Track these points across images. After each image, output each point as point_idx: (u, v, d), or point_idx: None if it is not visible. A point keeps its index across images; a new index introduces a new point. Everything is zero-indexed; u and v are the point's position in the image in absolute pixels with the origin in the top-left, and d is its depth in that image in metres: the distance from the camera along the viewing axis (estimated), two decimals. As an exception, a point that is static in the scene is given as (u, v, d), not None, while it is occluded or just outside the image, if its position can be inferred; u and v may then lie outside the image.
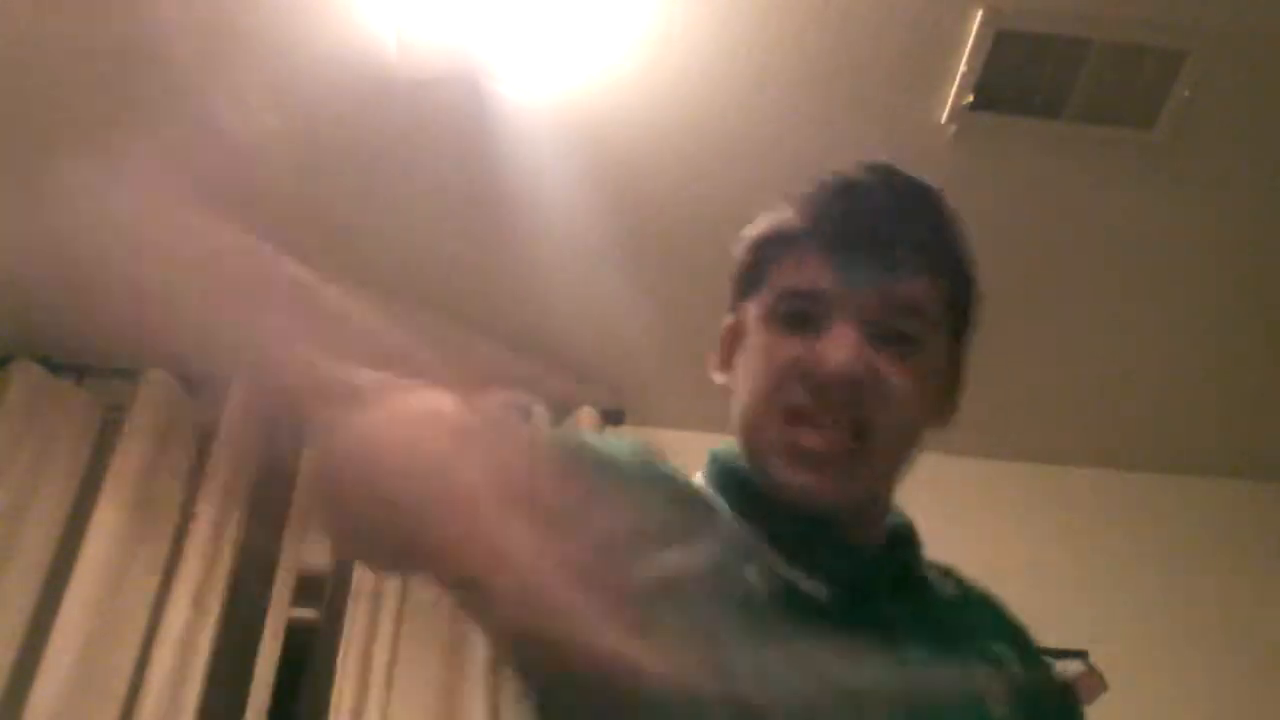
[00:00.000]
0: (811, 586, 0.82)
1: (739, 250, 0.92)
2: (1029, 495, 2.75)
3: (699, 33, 1.90)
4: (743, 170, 2.09)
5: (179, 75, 1.96)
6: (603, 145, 2.07)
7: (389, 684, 2.15)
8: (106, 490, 2.23)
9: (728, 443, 0.92)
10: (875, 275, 0.83)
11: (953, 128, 2.02)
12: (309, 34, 1.89)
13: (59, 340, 2.45)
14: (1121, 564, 2.69)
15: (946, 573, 0.94)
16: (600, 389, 2.55)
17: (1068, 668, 2.37)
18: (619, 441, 0.86)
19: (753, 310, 0.88)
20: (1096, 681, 2.36)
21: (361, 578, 2.24)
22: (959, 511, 2.65)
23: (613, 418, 2.55)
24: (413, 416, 0.61)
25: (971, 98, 1.96)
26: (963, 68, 1.92)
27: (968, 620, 0.90)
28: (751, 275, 0.89)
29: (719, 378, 0.93)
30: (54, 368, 2.41)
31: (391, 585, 2.24)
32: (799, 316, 0.83)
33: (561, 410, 2.55)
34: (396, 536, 0.57)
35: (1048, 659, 0.95)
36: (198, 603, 2.17)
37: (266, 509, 2.32)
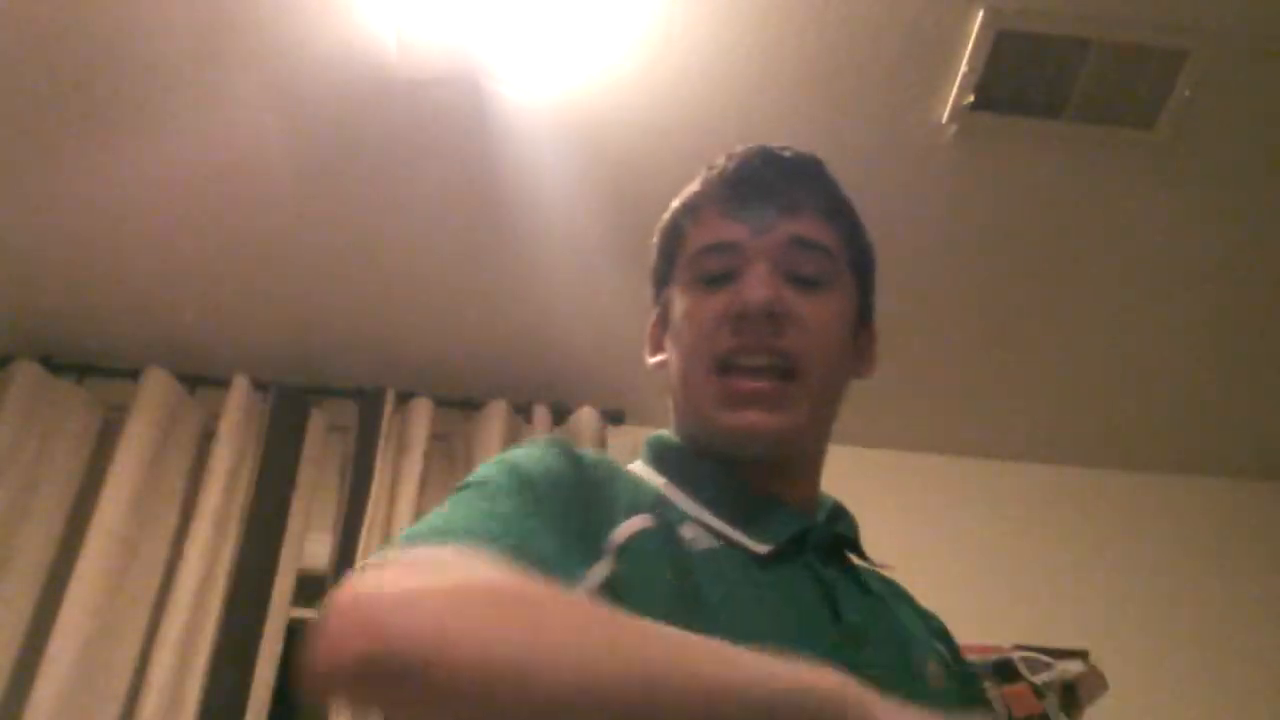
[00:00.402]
0: (750, 542, 0.85)
1: (652, 248, 0.99)
2: (1028, 495, 2.75)
3: (699, 33, 1.90)
4: (743, 170, 2.09)
5: (179, 75, 1.96)
6: (603, 145, 2.07)
7: (389, 684, 2.15)
8: (106, 490, 2.23)
9: (664, 432, 0.97)
10: (776, 218, 0.90)
11: (953, 128, 2.02)
12: (309, 34, 1.89)
13: (59, 340, 2.45)
14: (1121, 564, 2.69)
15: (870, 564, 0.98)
16: (600, 389, 2.55)
17: (1068, 668, 2.37)
18: (534, 448, 0.85)
19: (675, 285, 0.94)
20: (1096, 681, 2.36)
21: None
22: (959, 511, 2.66)
23: (613, 418, 2.55)
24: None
25: (972, 98, 1.96)
26: (963, 68, 1.92)
27: (899, 604, 0.95)
28: (666, 259, 0.97)
29: (651, 361, 0.98)
30: (54, 368, 2.41)
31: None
32: (715, 274, 0.90)
33: (561, 410, 2.55)
34: None
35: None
36: (198, 603, 2.17)
37: (266, 509, 2.31)
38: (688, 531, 0.83)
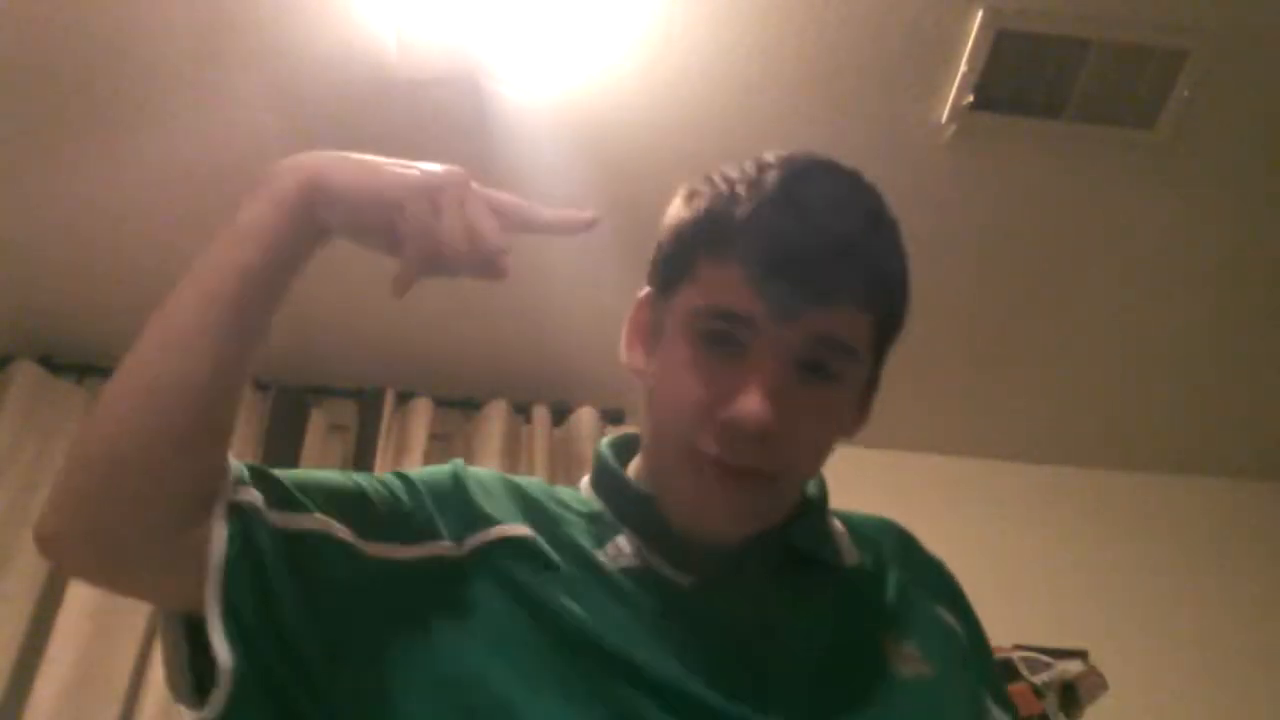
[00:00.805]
0: (671, 573, 0.83)
1: (663, 232, 0.87)
2: (1029, 495, 2.75)
3: (699, 33, 1.90)
4: (743, 170, 2.09)
5: (179, 75, 1.96)
6: (603, 145, 2.08)
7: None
8: (106, 490, 2.23)
9: (618, 437, 0.94)
10: (804, 308, 0.77)
11: (953, 128, 2.02)
12: (309, 34, 1.89)
13: (59, 340, 2.45)
14: (1121, 564, 2.69)
15: (864, 541, 0.93)
16: (600, 389, 2.55)
17: (1068, 668, 2.37)
18: (435, 469, 0.87)
19: (676, 311, 0.83)
20: (1096, 681, 2.36)
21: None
22: (959, 511, 2.65)
23: (612, 417, 2.55)
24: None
25: (971, 98, 1.96)
26: (963, 68, 1.92)
27: (878, 589, 0.89)
28: (676, 265, 0.84)
29: (628, 359, 0.91)
30: (54, 368, 2.41)
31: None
32: (721, 336, 0.79)
33: (561, 410, 2.55)
34: None
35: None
36: (198, 603, 2.17)
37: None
38: (609, 550, 0.83)
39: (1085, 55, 1.91)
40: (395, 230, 0.81)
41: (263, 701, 0.73)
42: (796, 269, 0.77)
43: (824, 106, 2.00)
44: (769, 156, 0.84)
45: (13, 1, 1.85)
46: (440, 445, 2.51)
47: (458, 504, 0.83)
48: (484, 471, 0.89)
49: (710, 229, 0.81)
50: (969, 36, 1.88)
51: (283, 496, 0.77)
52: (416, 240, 0.81)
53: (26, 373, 2.35)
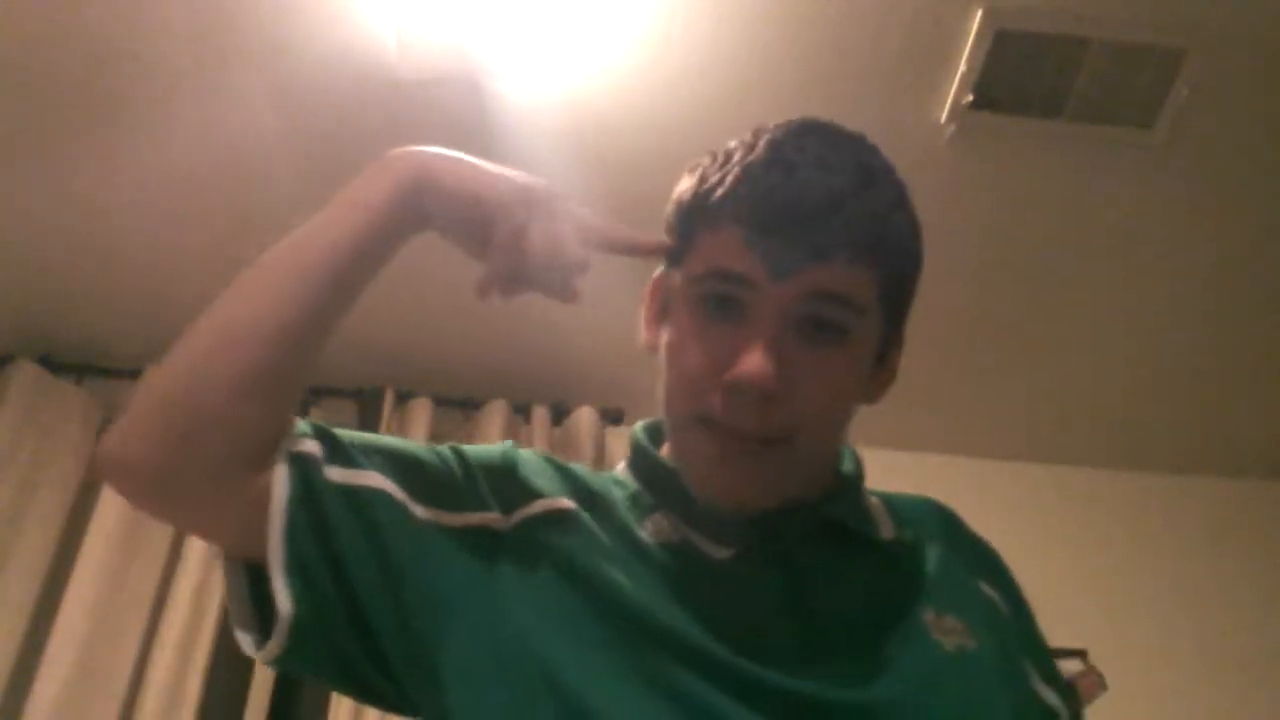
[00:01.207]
0: (709, 548, 0.83)
1: (668, 209, 0.89)
2: (1028, 495, 2.75)
3: (699, 33, 1.90)
4: (742, 170, 2.09)
5: (179, 75, 1.96)
6: (603, 145, 2.08)
7: (389, 684, 2.15)
8: (106, 490, 2.23)
9: (652, 421, 0.94)
10: (801, 264, 0.77)
11: (952, 127, 2.02)
12: (309, 34, 1.89)
13: (59, 340, 2.45)
14: (1121, 564, 2.69)
15: (904, 518, 0.92)
16: (600, 389, 2.55)
17: (1067, 668, 2.37)
18: (487, 447, 0.90)
19: (680, 282, 0.84)
20: (1096, 681, 2.36)
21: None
22: (959, 511, 2.65)
23: (612, 418, 2.55)
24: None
25: (971, 97, 1.96)
26: (962, 67, 1.92)
27: (918, 562, 0.88)
28: (678, 238, 0.86)
29: (646, 337, 0.91)
30: (54, 368, 2.41)
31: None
32: (722, 300, 0.80)
33: (561, 410, 2.55)
34: None
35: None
36: (197, 603, 2.18)
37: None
38: (649, 525, 0.84)
39: (1084, 55, 1.91)
40: (488, 235, 0.84)
41: (319, 646, 0.76)
42: (789, 225, 0.78)
43: (824, 106, 1.99)
44: (768, 125, 0.85)
45: (13, 2, 1.85)
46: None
47: (506, 478, 0.85)
48: (530, 452, 0.90)
49: (706, 197, 0.83)
50: (969, 36, 1.89)
51: (342, 452, 0.80)
52: (505, 248, 0.83)
53: (26, 373, 2.35)
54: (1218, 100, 1.98)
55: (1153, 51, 1.91)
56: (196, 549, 2.22)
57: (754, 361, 0.76)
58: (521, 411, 2.53)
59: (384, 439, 0.85)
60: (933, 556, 0.89)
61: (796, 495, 0.83)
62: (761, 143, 0.82)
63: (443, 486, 0.82)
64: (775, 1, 1.86)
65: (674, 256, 0.86)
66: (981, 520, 0.98)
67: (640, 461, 0.91)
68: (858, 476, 0.91)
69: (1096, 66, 1.92)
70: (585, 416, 2.51)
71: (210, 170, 2.12)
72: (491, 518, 0.82)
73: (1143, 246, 2.27)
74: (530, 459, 0.88)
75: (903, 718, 0.75)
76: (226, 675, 2.13)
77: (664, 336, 0.86)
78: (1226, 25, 1.86)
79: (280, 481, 0.76)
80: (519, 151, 2.07)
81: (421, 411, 2.49)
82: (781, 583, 0.82)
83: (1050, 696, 0.88)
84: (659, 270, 0.91)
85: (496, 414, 2.49)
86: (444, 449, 0.86)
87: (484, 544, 0.81)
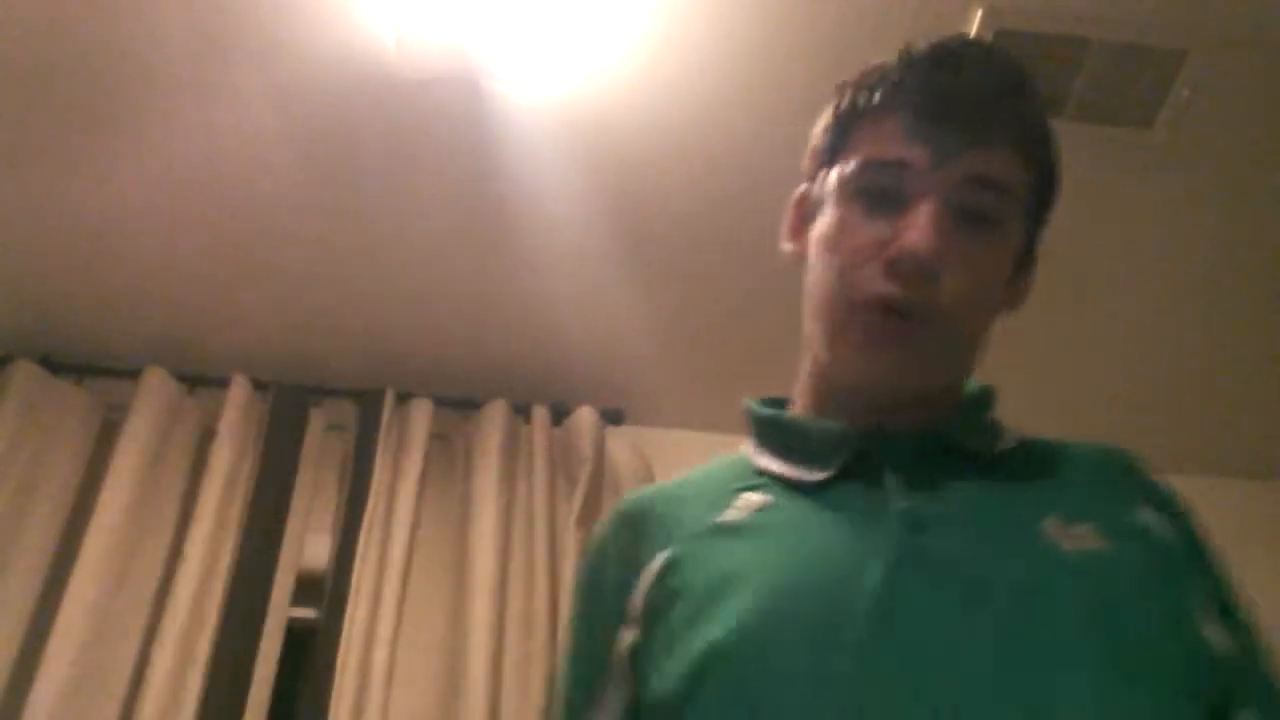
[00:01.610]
0: (806, 473, 0.84)
1: (820, 119, 0.92)
2: (1029, 495, 2.75)
3: (699, 33, 1.90)
4: (743, 170, 2.09)
5: (179, 75, 1.96)
6: (603, 145, 2.08)
7: (389, 684, 2.15)
8: (106, 490, 2.23)
9: (749, 401, 0.95)
10: (963, 149, 0.81)
11: (952, 127, 2.02)
12: (308, 34, 1.89)
13: (59, 340, 2.45)
14: (1121, 564, 2.68)
15: (1061, 451, 0.91)
16: (600, 389, 2.55)
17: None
18: (591, 536, 0.94)
19: (832, 178, 0.87)
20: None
21: (361, 577, 2.24)
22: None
23: (612, 418, 2.55)
24: None
25: (971, 97, 1.96)
26: (962, 67, 1.92)
27: (1047, 473, 0.86)
28: (833, 142, 0.89)
29: (787, 246, 0.93)
30: (54, 368, 2.41)
31: (391, 585, 2.24)
32: (880, 191, 0.82)
33: (561, 410, 2.55)
34: None
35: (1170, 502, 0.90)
36: (197, 603, 2.17)
37: (266, 509, 2.32)
38: (738, 505, 0.84)
39: (1084, 55, 1.91)
40: None
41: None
42: (955, 112, 0.82)
43: (824, 105, 2.00)
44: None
45: (13, 3, 1.85)
46: (440, 445, 2.51)
47: (601, 606, 0.88)
48: (602, 528, 0.93)
49: (866, 97, 0.87)
50: (968, 35, 1.89)
51: None
52: None
53: (26, 373, 2.35)
54: (1218, 100, 1.98)
55: (1153, 51, 1.91)
56: (196, 549, 2.22)
57: (922, 233, 0.79)
58: (521, 411, 2.53)
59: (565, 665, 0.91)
60: (1072, 473, 0.87)
61: (931, 385, 0.84)
62: (921, 49, 0.87)
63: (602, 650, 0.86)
64: (775, 2, 1.86)
65: (825, 161, 0.89)
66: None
67: (749, 417, 0.93)
68: (981, 398, 0.93)
69: (1096, 66, 1.92)
70: (585, 416, 2.51)
71: (210, 170, 2.12)
72: (628, 633, 0.84)
73: (1142, 245, 2.27)
74: (597, 555, 0.91)
75: (1000, 615, 0.72)
76: (226, 675, 2.13)
77: (813, 234, 0.88)
78: (1226, 25, 1.86)
79: None
80: (519, 151, 2.08)
81: (421, 411, 2.49)
82: (882, 499, 0.80)
83: (1217, 630, 0.80)
84: (802, 186, 0.93)
85: (496, 414, 2.49)
86: (569, 629, 0.91)
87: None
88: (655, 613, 0.81)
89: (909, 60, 0.86)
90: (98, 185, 2.14)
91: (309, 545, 2.35)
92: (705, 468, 0.93)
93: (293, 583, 2.28)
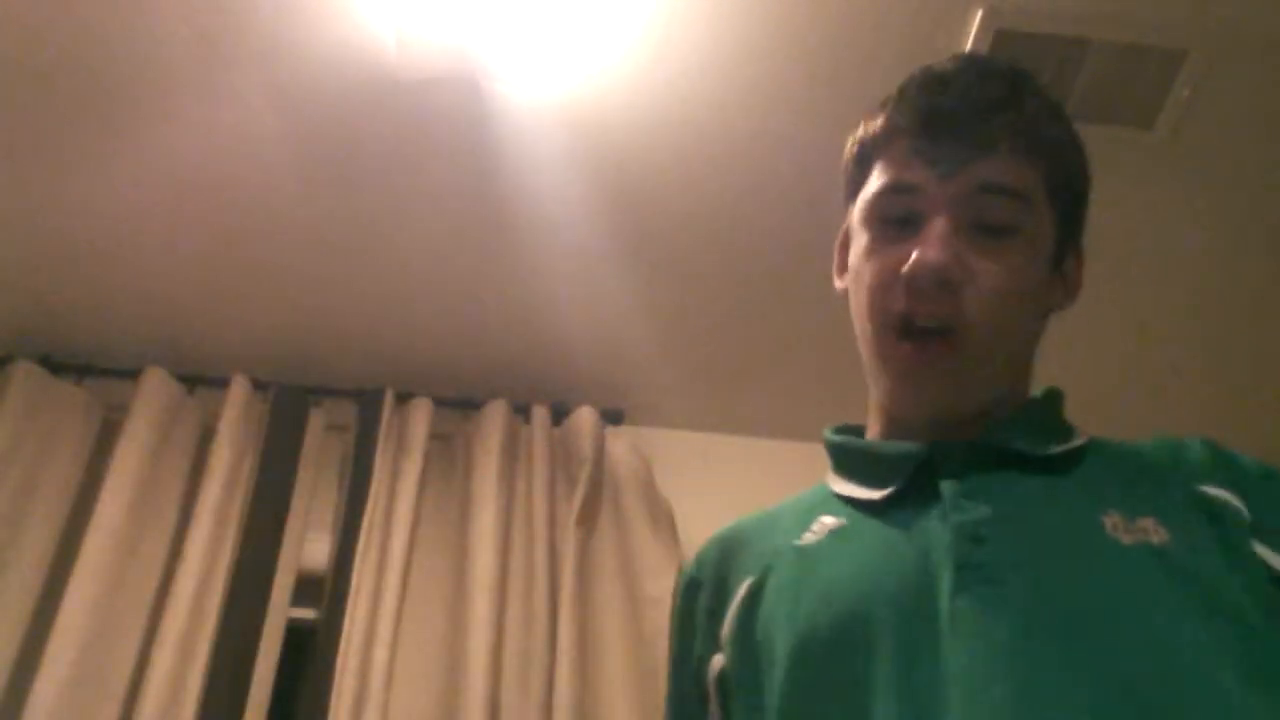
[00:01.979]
0: (868, 492, 0.86)
1: (845, 152, 0.95)
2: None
3: (699, 33, 1.90)
4: (743, 170, 2.09)
5: (179, 76, 1.96)
6: (602, 145, 2.08)
7: (389, 684, 2.15)
8: (106, 490, 2.23)
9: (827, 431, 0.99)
10: (965, 161, 0.84)
11: (952, 127, 2.02)
12: (308, 34, 1.89)
13: (59, 340, 2.45)
14: (1121, 564, 2.68)
15: (1119, 446, 0.92)
16: (599, 389, 2.55)
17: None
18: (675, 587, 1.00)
19: (856, 210, 0.91)
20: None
21: (361, 577, 2.24)
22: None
23: (612, 418, 2.55)
24: None
25: (971, 97, 1.96)
26: (962, 67, 1.92)
27: (1105, 472, 0.86)
28: (854, 175, 0.93)
29: (839, 283, 0.96)
30: (54, 368, 2.41)
31: (391, 585, 2.24)
32: (897, 217, 0.86)
33: (560, 410, 2.55)
34: None
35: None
36: (198, 603, 2.17)
37: (265, 509, 2.31)
38: (815, 529, 0.87)
39: (1084, 55, 1.91)
40: None
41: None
42: (950, 126, 0.85)
43: (825, 105, 2.00)
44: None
45: (13, 3, 1.85)
46: (440, 445, 2.51)
47: (695, 625, 0.93)
48: (696, 558, 0.97)
49: (879, 132, 0.92)
50: (968, 36, 1.89)
51: None
52: None
53: (26, 373, 2.35)
54: (1218, 100, 1.98)
55: (1153, 51, 1.91)
56: (196, 549, 2.22)
57: (929, 250, 0.81)
58: (521, 411, 2.53)
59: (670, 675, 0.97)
60: (1138, 469, 0.87)
61: (981, 400, 0.86)
62: (920, 73, 0.91)
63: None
64: (775, 2, 1.86)
65: (852, 193, 0.92)
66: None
67: (826, 446, 0.97)
68: (1046, 403, 0.96)
69: (1096, 66, 1.92)
70: (585, 416, 2.51)
71: (210, 170, 2.12)
72: (719, 660, 0.89)
73: (1141, 246, 2.27)
74: (690, 585, 0.96)
75: (1059, 612, 0.73)
76: (226, 675, 2.13)
77: (850, 272, 0.92)
78: (1226, 25, 1.86)
79: None
80: (518, 151, 2.08)
81: (421, 411, 2.49)
82: (938, 510, 0.82)
83: None
84: (846, 223, 0.96)
85: (496, 414, 2.49)
86: (670, 647, 0.97)
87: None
88: (741, 638, 0.85)
89: (903, 87, 0.91)
90: (98, 185, 2.14)
91: (309, 545, 2.35)
92: (795, 496, 0.97)
93: (293, 583, 2.28)
